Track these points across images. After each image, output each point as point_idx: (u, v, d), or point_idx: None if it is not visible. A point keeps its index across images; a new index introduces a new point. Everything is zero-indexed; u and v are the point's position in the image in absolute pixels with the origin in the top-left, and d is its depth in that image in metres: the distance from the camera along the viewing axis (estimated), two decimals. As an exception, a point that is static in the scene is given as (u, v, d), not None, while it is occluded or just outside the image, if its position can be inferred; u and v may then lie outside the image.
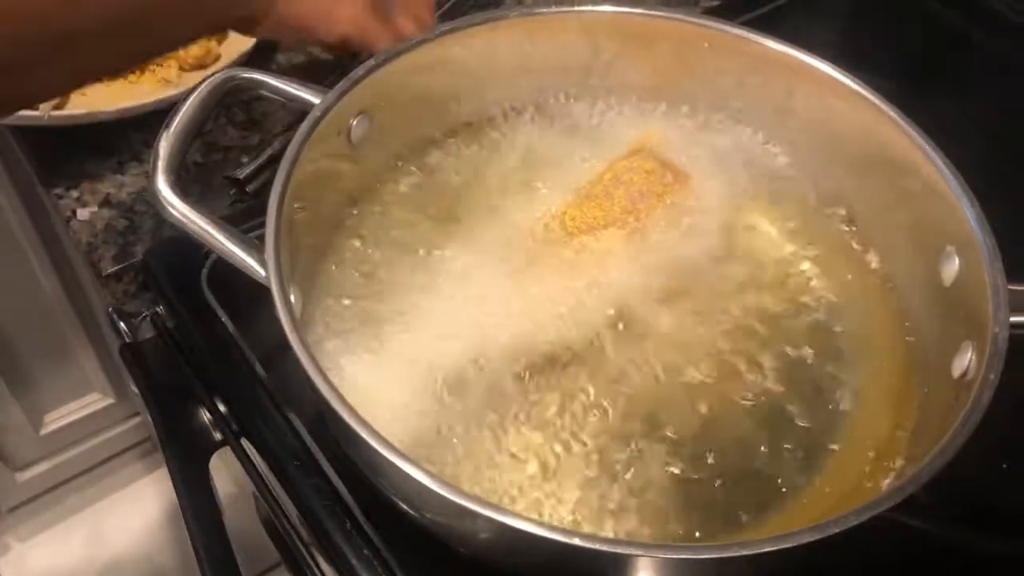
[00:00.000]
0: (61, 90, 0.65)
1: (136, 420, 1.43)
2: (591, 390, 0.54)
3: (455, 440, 0.52)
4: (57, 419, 1.36)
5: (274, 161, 0.66)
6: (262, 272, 0.49)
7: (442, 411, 0.52)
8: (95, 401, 1.37)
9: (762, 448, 0.54)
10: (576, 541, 0.40)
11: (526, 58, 0.66)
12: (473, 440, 0.52)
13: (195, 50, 0.80)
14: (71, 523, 1.47)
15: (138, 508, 1.47)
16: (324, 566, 0.57)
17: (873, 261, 0.62)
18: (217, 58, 0.82)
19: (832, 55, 0.62)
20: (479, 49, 0.64)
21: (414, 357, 0.54)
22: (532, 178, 0.64)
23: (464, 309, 0.56)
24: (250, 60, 0.81)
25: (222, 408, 0.63)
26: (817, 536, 0.41)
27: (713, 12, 0.90)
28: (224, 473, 0.71)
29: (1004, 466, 0.59)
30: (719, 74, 0.66)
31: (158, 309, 0.69)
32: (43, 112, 0.73)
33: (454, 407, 0.53)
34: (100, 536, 1.46)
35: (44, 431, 1.35)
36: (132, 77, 0.80)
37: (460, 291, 0.57)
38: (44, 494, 1.43)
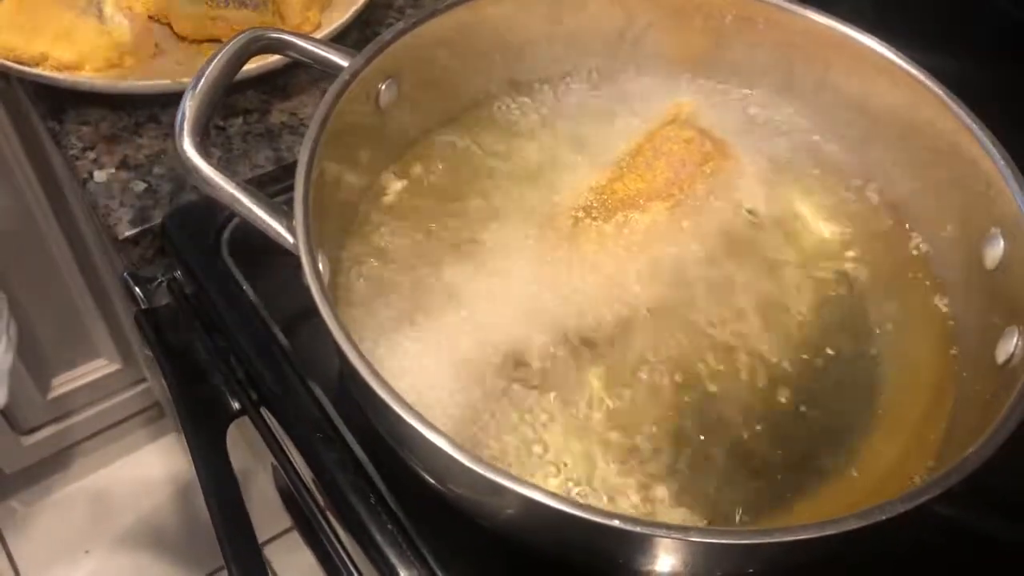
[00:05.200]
0: None
1: (142, 386, 1.43)
2: (630, 367, 0.53)
3: (486, 414, 0.50)
4: (64, 383, 1.35)
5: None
6: (291, 239, 0.48)
7: (473, 385, 0.51)
8: (102, 366, 1.37)
9: (793, 430, 0.53)
10: (616, 523, 0.39)
11: (558, 26, 0.64)
12: (505, 415, 0.50)
13: (293, 18, 0.78)
14: (76, 488, 1.46)
15: (143, 474, 1.47)
16: (345, 539, 0.56)
17: (912, 241, 0.60)
18: (317, 26, 0.80)
19: (871, 29, 0.60)
20: (510, 15, 0.62)
21: (446, 329, 0.52)
22: (567, 150, 0.62)
23: (499, 284, 0.54)
24: (346, 32, 0.79)
25: (241, 376, 0.61)
26: (862, 523, 0.40)
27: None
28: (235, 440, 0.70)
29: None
30: (755, 46, 0.64)
31: (175, 275, 0.68)
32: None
33: (486, 381, 0.51)
34: (104, 501, 1.45)
35: (51, 395, 1.34)
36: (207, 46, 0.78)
37: (495, 266, 0.55)
38: (49, 458, 1.43)
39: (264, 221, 0.49)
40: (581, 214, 0.58)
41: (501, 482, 0.41)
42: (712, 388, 0.53)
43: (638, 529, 0.39)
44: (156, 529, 1.43)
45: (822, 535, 0.40)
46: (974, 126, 0.55)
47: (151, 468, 1.47)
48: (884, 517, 0.40)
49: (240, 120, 0.75)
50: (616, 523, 0.39)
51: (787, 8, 0.61)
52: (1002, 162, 0.53)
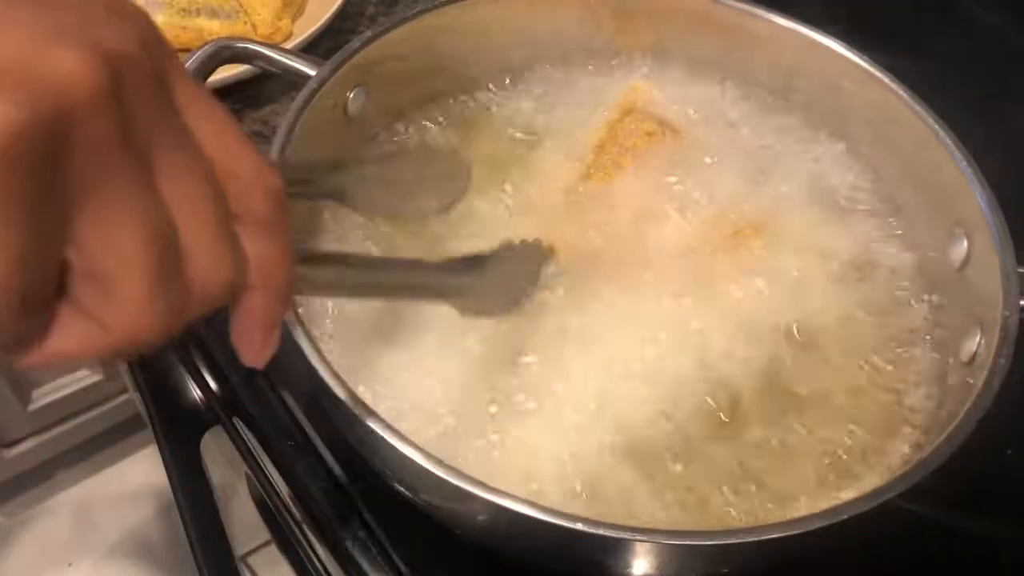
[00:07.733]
0: None
1: (125, 396, 1.42)
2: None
3: (453, 422, 0.50)
4: (46, 395, 1.34)
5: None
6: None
7: (436, 390, 0.51)
8: (84, 377, 1.36)
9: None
10: (579, 526, 0.39)
11: (528, 31, 0.64)
12: (471, 419, 0.50)
13: (265, 28, 0.78)
14: (59, 500, 1.45)
15: (127, 485, 1.46)
16: (318, 547, 0.56)
17: (876, 238, 0.61)
18: (289, 36, 0.79)
19: (838, 32, 0.61)
20: (478, 21, 0.62)
21: (416, 337, 0.52)
22: (532, 148, 0.62)
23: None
24: (318, 40, 0.79)
25: (213, 386, 0.61)
26: (827, 521, 0.40)
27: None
28: (213, 451, 0.70)
29: (1008, 452, 0.58)
30: (723, 50, 0.65)
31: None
32: None
33: (450, 385, 0.51)
34: (88, 513, 1.45)
35: (32, 407, 1.34)
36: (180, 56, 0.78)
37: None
38: (33, 470, 1.42)
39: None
40: (562, 210, 0.58)
41: (468, 488, 0.41)
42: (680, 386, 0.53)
43: (601, 532, 0.39)
44: (140, 541, 1.42)
45: (786, 534, 0.41)
46: (938, 128, 0.55)
47: (134, 479, 1.47)
48: (848, 515, 0.41)
49: (212, 129, 0.75)
50: (579, 526, 0.39)
51: (752, 12, 0.62)
52: (964, 163, 0.53)
